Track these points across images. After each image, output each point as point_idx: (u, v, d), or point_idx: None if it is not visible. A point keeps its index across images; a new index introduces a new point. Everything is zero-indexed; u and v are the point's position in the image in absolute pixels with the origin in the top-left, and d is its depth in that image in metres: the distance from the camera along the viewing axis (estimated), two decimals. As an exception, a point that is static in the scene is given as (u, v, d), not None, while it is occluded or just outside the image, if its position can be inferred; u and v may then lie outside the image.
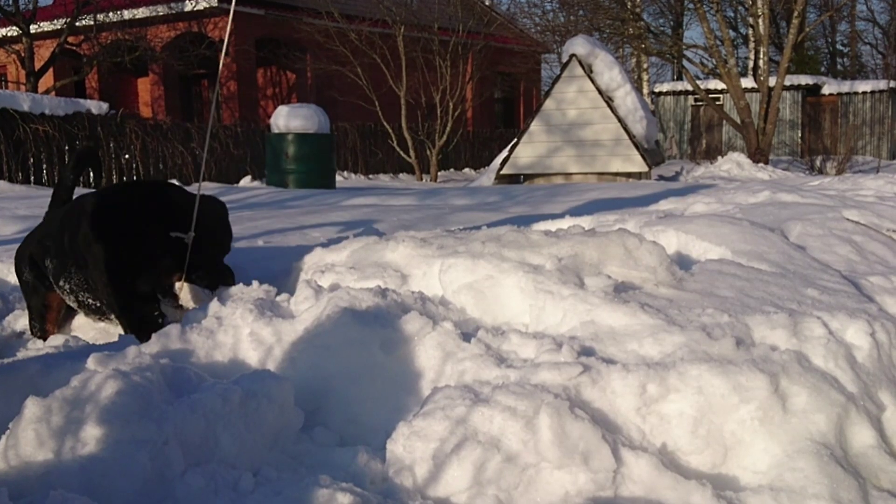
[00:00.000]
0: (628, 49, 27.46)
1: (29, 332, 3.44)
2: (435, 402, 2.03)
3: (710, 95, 24.04)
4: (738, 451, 2.04)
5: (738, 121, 19.99)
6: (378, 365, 2.34)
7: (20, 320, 3.56)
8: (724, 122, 23.64)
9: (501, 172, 15.95)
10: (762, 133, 19.59)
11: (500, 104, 33.63)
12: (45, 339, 3.29)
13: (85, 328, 3.45)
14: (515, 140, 16.17)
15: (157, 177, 16.72)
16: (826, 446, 2.01)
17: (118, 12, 22.96)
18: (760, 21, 20.58)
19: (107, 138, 16.28)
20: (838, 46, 45.31)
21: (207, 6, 23.63)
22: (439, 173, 22.38)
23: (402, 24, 21.62)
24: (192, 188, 3.43)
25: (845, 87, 28.80)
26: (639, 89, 20.71)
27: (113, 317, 3.16)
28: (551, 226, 4.27)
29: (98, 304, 3.16)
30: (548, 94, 15.93)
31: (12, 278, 3.85)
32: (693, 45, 22.97)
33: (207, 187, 11.26)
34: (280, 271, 3.56)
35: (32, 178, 15.16)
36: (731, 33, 27.24)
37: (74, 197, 3.57)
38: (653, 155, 15.75)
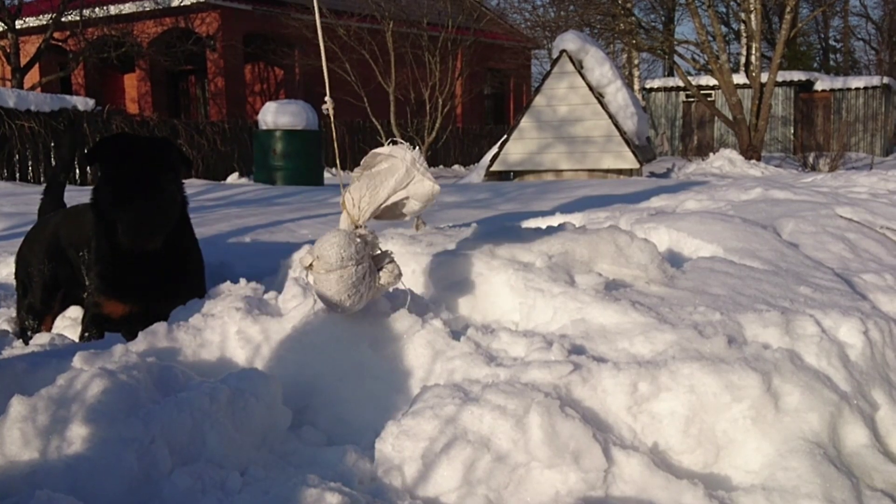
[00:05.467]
0: (619, 45, 27.51)
1: (13, 331, 3.39)
2: (424, 401, 2.01)
3: (702, 92, 24.07)
4: (730, 450, 2.03)
5: (730, 117, 20.02)
6: (366, 363, 2.32)
7: (4, 318, 3.53)
8: (716, 118, 23.63)
9: (491, 169, 15.93)
10: (754, 129, 19.62)
11: (489, 100, 33.61)
12: (27, 343, 3.19)
13: (72, 327, 3.42)
14: (505, 136, 16.15)
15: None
16: (819, 445, 2.00)
17: (104, 7, 22.85)
18: (752, 16, 20.60)
19: (93, 134, 16.19)
20: (831, 42, 45.42)
21: (194, 1, 23.54)
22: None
23: (390, 20, 21.56)
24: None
25: (838, 83, 28.78)
26: (630, 85, 20.70)
27: None
28: (542, 223, 4.24)
29: None
30: (538, 90, 15.91)
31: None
32: (684, 40, 23.05)
33: (195, 184, 11.24)
34: (268, 269, 3.54)
35: (18, 175, 15.07)
36: (723, 29, 27.29)
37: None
38: (644, 151, 15.76)
